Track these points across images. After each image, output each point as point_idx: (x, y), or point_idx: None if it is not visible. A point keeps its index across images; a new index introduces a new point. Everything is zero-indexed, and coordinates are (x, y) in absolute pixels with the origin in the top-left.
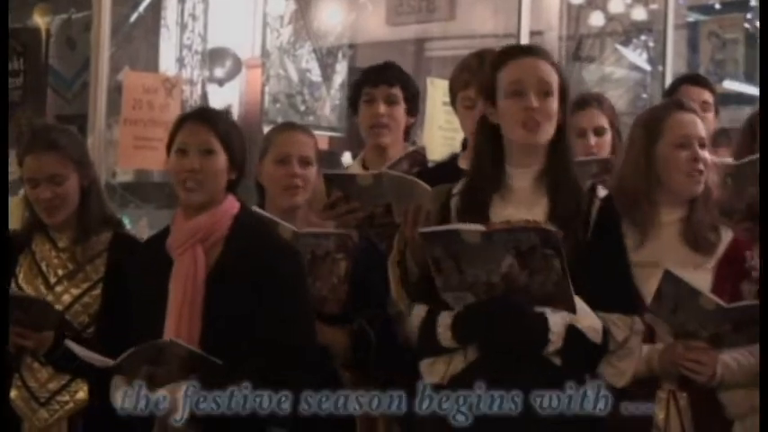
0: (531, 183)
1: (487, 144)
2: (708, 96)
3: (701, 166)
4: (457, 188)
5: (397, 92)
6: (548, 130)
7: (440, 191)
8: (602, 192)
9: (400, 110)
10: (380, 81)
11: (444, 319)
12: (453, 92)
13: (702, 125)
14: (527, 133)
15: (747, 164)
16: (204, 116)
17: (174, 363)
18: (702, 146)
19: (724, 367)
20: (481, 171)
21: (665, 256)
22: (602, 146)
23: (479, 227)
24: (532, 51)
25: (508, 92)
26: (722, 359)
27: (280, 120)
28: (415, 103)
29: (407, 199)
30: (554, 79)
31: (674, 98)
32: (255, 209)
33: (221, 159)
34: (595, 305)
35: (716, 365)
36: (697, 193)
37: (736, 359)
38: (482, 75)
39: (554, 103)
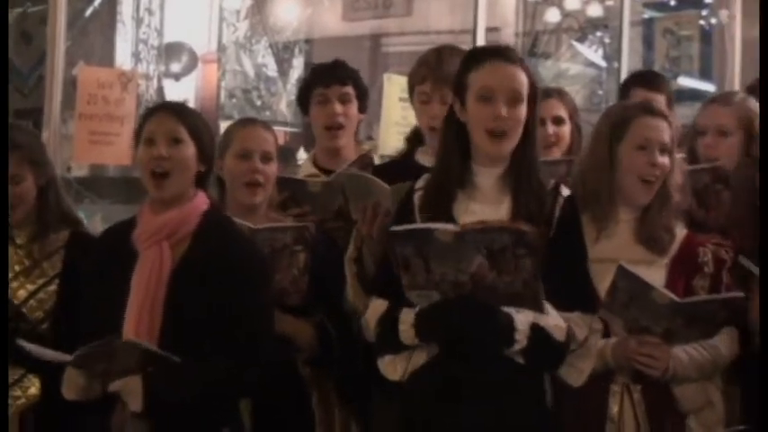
0: (496, 181)
1: (454, 140)
2: (659, 98)
3: (657, 173)
4: (420, 183)
5: (350, 90)
6: (513, 140)
7: (401, 186)
8: (565, 191)
9: (354, 108)
10: (333, 81)
11: (407, 317)
12: (411, 86)
13: (669, 131)
14: (492, 144)
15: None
16: (172, 107)
17: (131, 361)
18: (664, 152)
19: (676, 361)
20: (447, 167)
21: (619, 253)
22: (561, 136)
23: (453, 227)
24: (506, 56)
25: (478, 96)
26: (674, 354)
27: (236, 115)
28: (365, 100)
29: (365, 197)
30: (524, 85)
31: (644, 101)
32: None
33: (190, 149)
34: (557, 304)
35: (668, 360)
36: (646, 200)
37: (689, 354)
38: (439, 70)
39: (523, 110)
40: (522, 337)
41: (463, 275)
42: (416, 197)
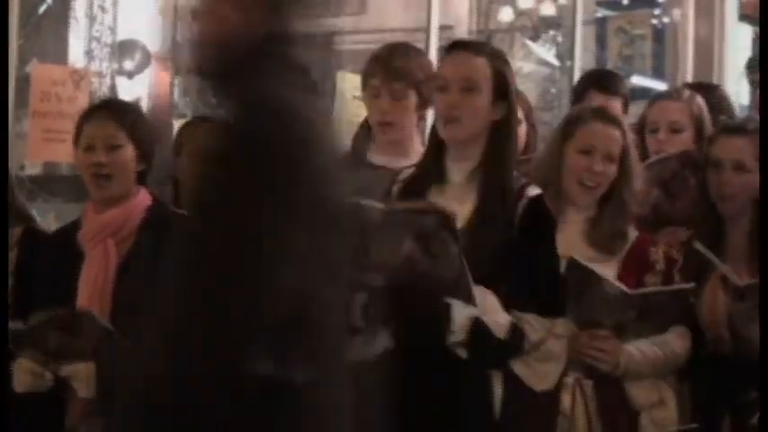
0: (465, 177)
1: (432, 136)
2: (615, 103)
3: (597, 179)
4: (403, 175)
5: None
6: (468, 127)
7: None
8: (532, 191)
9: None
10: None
11: (358, 300)
12: (363, 81)
13: (620, 139)
14: (446, 129)
15: (653, 163)
16: (110, 109)
17: (86, 337)
18: (609, 160)
19: (628, 357)
20: (424, 159)
21: (569, 251)
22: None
23: (380, 204)
24: (467, 46)
25: (436, 86)
26: (626, 349)
27: (189, 113)
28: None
29: None
30: (482, 75)
31: (601, 107)
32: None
33: (128, 153)
34: (514, 304)
35: (619, 355)
36: (585, 204)
37: (641, 350)
38: (391, 65)
39: (479, 99)
40: (459, 330)
41: (396, 258)
42: (395, 188)
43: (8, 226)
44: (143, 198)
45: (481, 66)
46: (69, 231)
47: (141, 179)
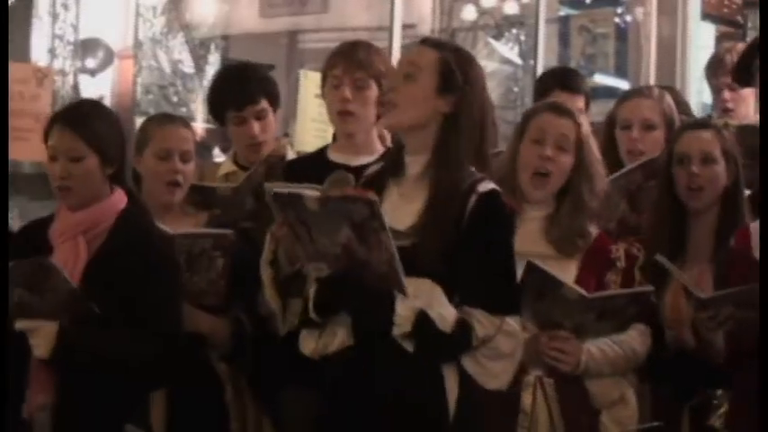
0: (420, 172)
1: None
2: (577, 101)
3: (549, 166)
4: (370, 170)
5: (265, 105)
6: (405, 114)
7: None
8: (485, 186)
9: (271, 120)
10: (246, 101)
11: (311, 292)
12: (324, 76)
13: (574, 130)
14: (384, 116)
15: (616, 178)
16: (72, 120)
17: (52, 296)
18: (562, 149)
19: (588, 356)
20: (385, 156)
21: (529, 249)
22: None
23: (316, 193)
24: (424, 41)
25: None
26: (586, 348)
27: (152, 111)
28: (277, 101)
29: None
30: (424, 64)
31: (552, 100)
32: None
33: (91, 163)
34: (464, 300)
35: (579, 355)
36: (539, 196)
37: (601, 349)
38: (352, 56)
39: (416, 89)
40: (402, 322)
41: (336, 247)
42: (360, 185)
43: (8, 226)
44: (118, 199)
45: (425, 55)
46: (40, 227)
47: (117, 179)
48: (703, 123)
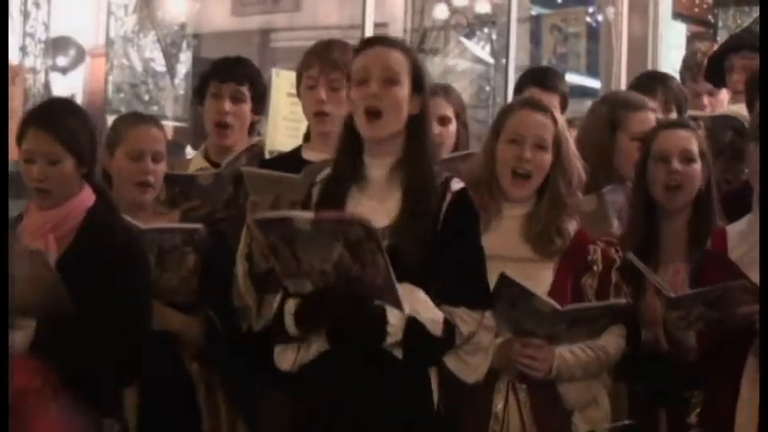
0: (386, 174)
1: (347, 134)
2: (552, 99)
3: (528, 167)
4: (320, 176)
5: (245, 90)
6: (391, 121)
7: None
8: (456, 185)
9: (246, 108)
10: (228, 78)
11: (289, 307)
12: (299, 76)
13: (551, 127)
14: (368, 124)
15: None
16: (47, 122)
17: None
18: (541, 147)
19: (561, 361)
20: (341, 161)
21: (506, 250)
22: (447, 135)
23: (309, 214)
24: (382, 41)
25: (355, 80)
26: (559, 353)
27: (123, 109)
28: (261, 101)
29: (270, 193)
30: (402, 68)
31: (526, 96)
32: None
33: (67, 165)
34: (443, 299)
35: (552, 361)
36: (520, 195)
37: (574, 353)
38: (327, 56)
39: (400, 92)
40: (395, 330)
41: (327, 265)
42: (315, 190)
43: (8, 225)
44: (86, 197)
45: (398, 58)
46: (11, 224)
47: (87, 176)
48: (681, 123)
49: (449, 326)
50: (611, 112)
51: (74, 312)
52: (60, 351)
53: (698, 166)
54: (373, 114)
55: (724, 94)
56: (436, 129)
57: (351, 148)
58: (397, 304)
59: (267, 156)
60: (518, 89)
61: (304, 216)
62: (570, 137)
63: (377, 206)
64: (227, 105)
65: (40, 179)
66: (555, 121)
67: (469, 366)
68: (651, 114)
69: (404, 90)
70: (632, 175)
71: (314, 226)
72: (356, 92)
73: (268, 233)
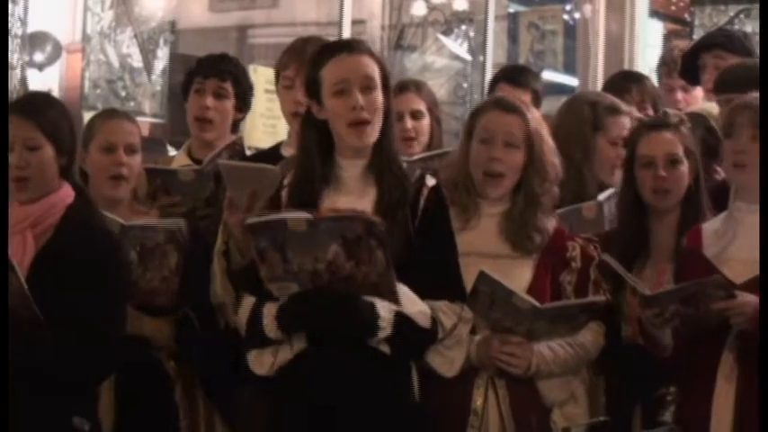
0: (360, 173)
1: (315, 139)
2: (522, 96)
3: (500, 167)
4: (287, 179)
5: (228, 86)
6: (376, 127)
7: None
8: (430, 181)
9: (228, 105)
10: (212, 74)
11: (270, 310)
12: (277, 74)
13: (520, 125)
14: (356, 135)
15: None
16: (28, 109)
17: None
18: (511, 146)
19: (539, 358)
20: (309, 165)
21: (484, 247)
22: (420, 129)
23: (306, 214)
24: (353, 47)
25: (334, 91)
26: (537, 350)
27: (100, 105)
28: (245, 99)
29: (248, 186)
30: (376, 72)
31: (496, 96)
32: None
33: (47, 153)
34: (424, 293)
35: (530, 358)
36: (496, 195)
37: (553, 350)
38: (304, 56)
39: (378, 97)
40: (386, 325)
41: (320, 264)
42: (283, 193)
43: (8, 225)
44: (65, 194)
45: (372, 64)
46: None
47: (65, 174)
48: (663, 123)
49: (432, 319)
50: (594, 114)
51: (39, 318)
52: (27, 350)
53: (684, 167)
54: (360, 124)
55: (698, 92)
56: (409, 123)
57: (318, 149)
58: (394, 299)
59: (247, 152)
60: (491, 87)
61: (300, 217)
62: (546, 131)
63: (354, 203)
64: (210, 101)
65: (21, 166)
66: (526, 120)
67: (449, 360)
68: (628, 120)
69: (380, 93)
70: (608, 177)
71: (310, 226)
72: (337, 102)
73: (259, 238)
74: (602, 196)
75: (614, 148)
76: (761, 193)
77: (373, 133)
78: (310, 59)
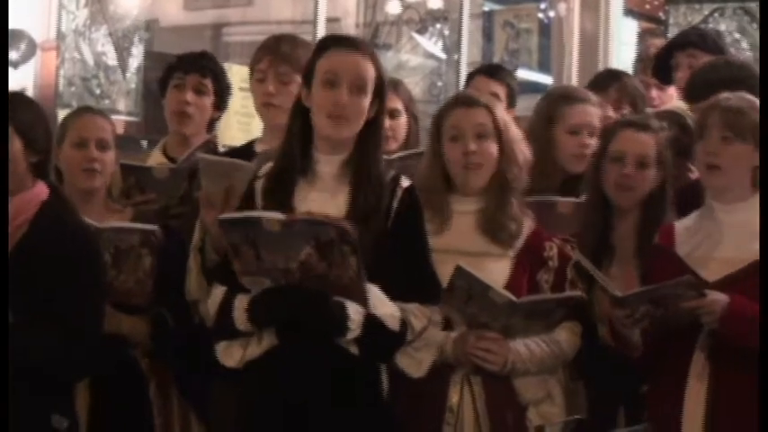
0: (336, 170)
1: (299, 128)
2: (497, 88)
3: (476, 159)
4: (263, 170)
5: (208, 83)
6: (353, 127)
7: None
8: (405, 182)
9: (207, 101)
10: (193, 69)
11: (241, 302)
12: (251, 71)
13: (486, 117)
14: (332, 127)
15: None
16: None
17: None
18: (482, 137)
19: (516, 355)
20: (289, 153)
21: (463, 244)
22: (397, 128)
23: (280, 216)
24: (353, 45)
25: (323, 80)
26: (514, 348)
27: (75, 103)
28: (224, 97)
29: (224, 181)
30: (370, 76)
31: (459, 93)
32: None
33: (15, 148)
34: (395, 295)
35: (507, 354)
36: (476, 186)
37: (529, 348)
38: (277, 50)
39: (365, 101)
40: (355, 326)
41: (292, 263)
42: (258, 184)
43: (8, 225)
44: (39, 191)
45: (367, 65)
46: None
47: (40, 172)
48: (643, 124)
49: (402, 322)
50: (548, 106)
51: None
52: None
53: (652, 171)
54: (339, 119)
55: (673, 90)
56: (386, 122)
57: (300, 141)
58: (362, 299)
59: (221, 150)
60: (467, 82)
61: (274, 217)
62: (513, 122)
63: (327, 200)
64: (190, 96)
65: None
66: (491, 110)
67: (417, 361)
68: (591, 108)
69: (368, 99)
70: (575, 167)
71: (284, 228)
72: (322, 93)
73: (231, 234)
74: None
75: (574, 137)
76: (761, 193)
77: (349, 130)
78: (315, 46)
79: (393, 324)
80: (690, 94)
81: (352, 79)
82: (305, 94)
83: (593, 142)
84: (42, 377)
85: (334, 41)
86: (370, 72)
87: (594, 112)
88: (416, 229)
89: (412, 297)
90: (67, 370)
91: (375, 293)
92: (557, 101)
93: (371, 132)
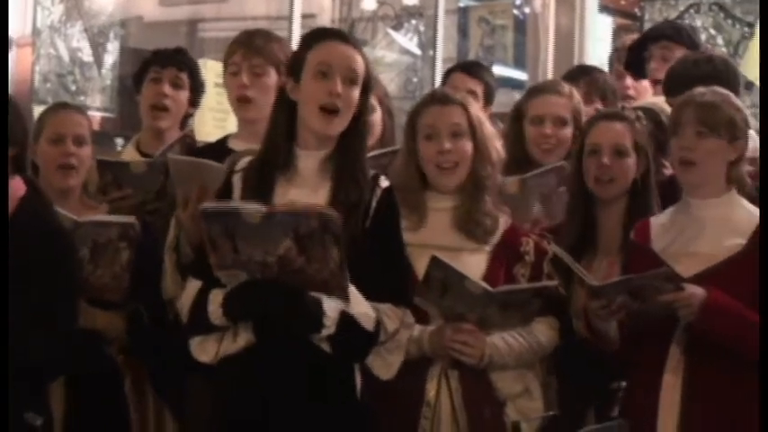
0: (317, 165)
1: (283, 119)
2: (474, 85)
3: (452, 158)
4: (240, 164)
5: (184, 77)
6: (344, 121)
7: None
8: (384, 182)
9: (183, 95)
10: (170, 63)
11: (216, 297)
12: (225, 65)
13: (461, 115)
14: (324, 120)
15: (531, 177)
16: None
17: None
18: (456, 136)
19: (493, 349)
20: (272, 147)
21: (440, 240)
22: (372, 124)
23: (261, 207)
24: (348, 39)
25: (315, 71)
26: (491, 341)
27: (50, 99)
28: (198, 94)
29: (189, 181)
30: (361, 69)
31: (434, 90)
32: None
33: None
34: (369, 295)
35: (484, 347)
36: (451, 185)
37: (506, 341)
38: (250, 43)
39: (356, 94)
40: (330, 324)
41: (270, 257)
42: (236, 179)
43: (8, 224)
44: (16, 186)
45: (359, 59)
46: None
47: (17, 167)
48: (616, 115)
49: (376, 322)
50: (519, 101)
51: None
52: None
53: (631, 160)
54: (332, 112)
55: (647, 82)
56: None
57: (284, 136)
58: (345, 297)
59: (199, 145)
60: (444, 79)
61: (255, 208)
62: (486, 119)
63: (308, 195)
64: (167, 88)
65: None
66: (466, 108)
67: (387, 363)
68: (556, 98)
69: (357, 92)
70: (542, 157)
71: (264, 219)
72: (314, 84)
73: (211, 225)
74: (528, 174)
75: (537, 127)
76: (761, 193)
77: (340, 125)
78: (303, 37)
79: (368, 323)
80: (670, 89)
81: (346, 71)
82: (291, 86)
83: (565, 133)
84: (16, 374)
85: (327, 33)
86: (361, 65)
87: (561, 102)
88: (393, 230)
89: (385, 297)
90: (44, 368)
91: (352, 291)
92: (525, 95)
93: (355, 128)
